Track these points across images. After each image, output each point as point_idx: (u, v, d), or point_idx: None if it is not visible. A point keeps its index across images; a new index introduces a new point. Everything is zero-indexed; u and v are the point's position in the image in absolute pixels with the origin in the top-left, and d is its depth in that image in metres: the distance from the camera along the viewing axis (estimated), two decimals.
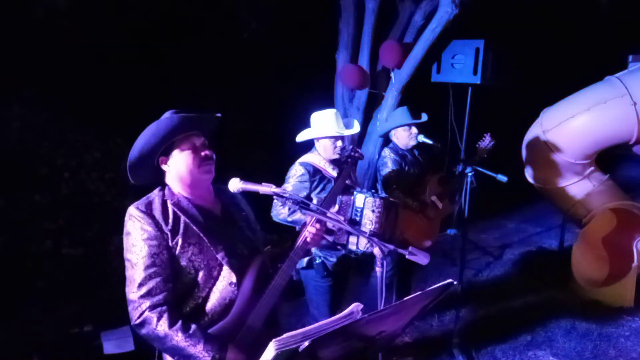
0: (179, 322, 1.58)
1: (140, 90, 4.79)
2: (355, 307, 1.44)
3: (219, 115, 1.78)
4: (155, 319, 1.56)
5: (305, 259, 2.85)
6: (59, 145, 4.44)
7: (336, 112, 2.96)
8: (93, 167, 4.56)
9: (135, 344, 3.28)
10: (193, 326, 1.60)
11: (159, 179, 1.76)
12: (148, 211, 1.65)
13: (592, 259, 4.15)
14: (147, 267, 1.59)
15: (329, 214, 1.78)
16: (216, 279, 1.68)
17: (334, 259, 2.86)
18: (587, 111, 4.01)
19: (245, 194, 1.74)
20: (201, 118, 1.73)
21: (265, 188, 1.66)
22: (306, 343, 1.22)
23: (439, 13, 4.44)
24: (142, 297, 1.58)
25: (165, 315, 1.57)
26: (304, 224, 1.92)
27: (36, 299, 3.78)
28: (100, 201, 4.47)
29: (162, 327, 1.56)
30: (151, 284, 1.59)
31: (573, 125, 4.09)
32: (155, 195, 1.72)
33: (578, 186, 4.33)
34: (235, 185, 1.69)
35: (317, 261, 2.84)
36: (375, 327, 1.39)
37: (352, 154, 2.72)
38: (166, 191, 1.73)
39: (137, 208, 1.65)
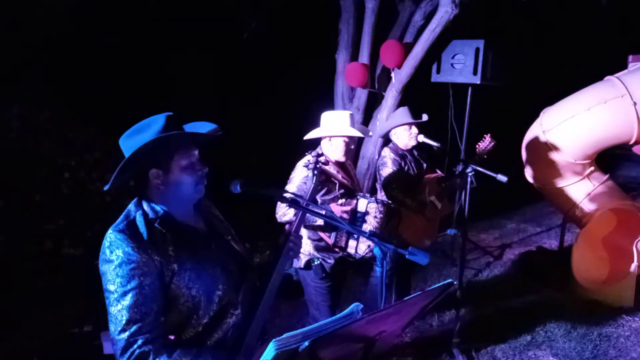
0: (178, 350, 1.43)
1: (141, 90, 4.80)
2: (355, 307, 1.43)
3: (220, 133, 1.62)
4: (152, 354, 1.39)
5: (304, 260, 2.84)
6: (59, 145, 4.45)
7: (351, 114, 2.93)
8: (93, 167, 4.56)
9: None
10: (194, 349, 1.47)
11: (137, 185, 1.57)
12: (133, 234, 1.43)
13: (592, 259, 4.15)
14: (136, 302, 1.38)
15: (333, 216, 1.76)
16: (217, 303, 1.53)
17: (332, 261, 2.85)
18: (587, 111, 4.01)
19: (245, 195, 1.71)
20: (206, 135, 1.58)
21: (267, 190, 1.65)
22: (306, 343, 1.21)
23: (439, 13, 4.44)
24: (132, 335, 1.38)
25: (162, 347, 1.41)
26: (285, 233, 1.87)
27: (36, 299, 3.78)
28: (100, 201, 4.48)
29: (161, 359, 1.40)
30: (142, 320, 1.39)
31: (573, 125, 4.08)
32: (134, 213, 1.51)
33: (578, 186, 4.33)
34: (236, 187, 1.67)
35: (316, 262, 2.83)
36: (375, 327, 1.39)
37: (319, 159, 2.65)
38: (146, 208, 1.52)
39: (120, 231, 1.43)
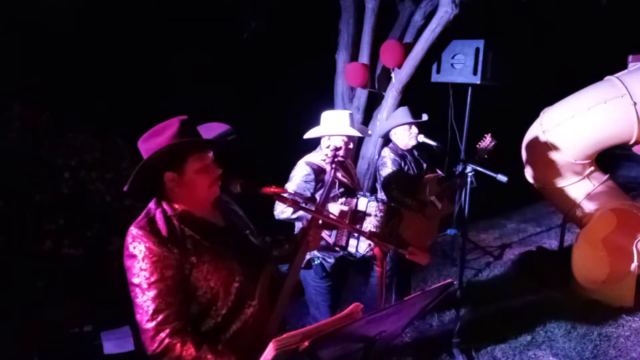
0: (205, 345, 1.49)
1: (141, 90, 4.80)
2: (355, 307, 1.44)
3: (234, 136, 1.70)
4: (179, 345, 1.45)
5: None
6: (59, 145, 4.45)
7: (351, 114, 2.94)
8: (93, 167, 4.56)
9: (135, 344, 3.28)
10: (219, 346, 1.53)
11: (153, 189, 1.62)
12: (153, 230, 1.51)
13: (592, 259, 4.16)
14: (160, 293, 1.46)
15: (331, 216, 1.77)
16: (234, 294, 1.59)
17: (332, 260, 2.85)
18: (587, 111, 4.01)
19: (244, 194, 1.73)
20: (218, 142, 1.66)
21: (265, 188, 1.65)
22: (306, 343, 1.22)
23: (439, 13, 4.44)
24: (159, 324, 1.45)
25: (189, 339, 1.48)
26: (304, 227, 1.90)
27: (36, 299, 3.78)
28: (100, 201, 4.48)
29: (189, 351, 1.45)
30: (167, 309, 1.47)
31: (573, 125, 4.09)
32: (154, 211, 1.59)
33: (578, 186, 4.33)
34: (235, 186, 1.68)
35: (316, 262, 2.83)
36: (375, 327, 1.39)
37: (337, 153, 2.67)
38: (165, 206, 1.60)
39: (141, 227, 1.51)
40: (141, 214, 1.59)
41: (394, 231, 2.95)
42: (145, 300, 1.47)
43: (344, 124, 2.87)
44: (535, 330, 3.71)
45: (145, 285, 1.47)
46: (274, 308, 1.66)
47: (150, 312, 1.46)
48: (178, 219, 1.57)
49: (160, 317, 1.46)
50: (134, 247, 1.49)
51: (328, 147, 2.82)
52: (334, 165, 2.41)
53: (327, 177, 2.38)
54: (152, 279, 1.47)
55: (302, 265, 2.83)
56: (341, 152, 2.57)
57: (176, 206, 1.61)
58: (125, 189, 1.57)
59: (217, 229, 1.67)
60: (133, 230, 1.52)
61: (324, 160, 2.55)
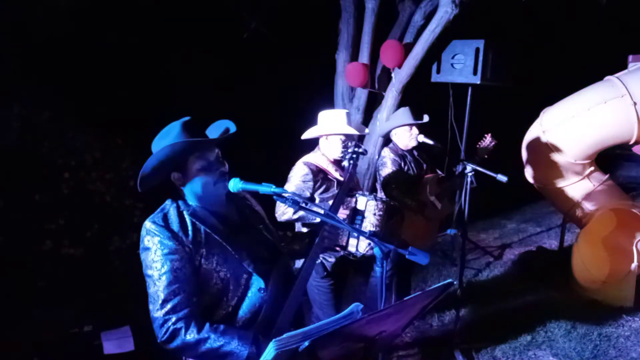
0: (207, 325, 1.56)
1: (141, 90, 4.80)
2: (355, 307, 1.44)
3: (235, 131, 1.74)
4: (183, 330, 1.54)
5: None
6: (59, 145, 4.45)
7: (348, 113, 2.95)
8: (93, 167, 4.57)
9: (135, 344, 3.29)
10: (222, 325, 1.58)
11: (167, 187, 1.72)
12: (166, 224, 1.61)
13: (592, 259, 4.15)
14: (170, 283, 1.56)
15: (329, 214, 1.76)
16: (244, 286, 1.66)
17: (332, 260, 2.85)
18: (587, 111, 4.01)
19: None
20: (218, 140, 1.70)
21: (265, 188, 1.66)
22: (306, 343, 1.22)
23: (439, 13, 4.44)
24: (167, 313, 1.55)
25: (193, 323, 1.55)
26: (322, 222, 1.91)
27: (36, 299, 3.78)
28: (100, 201, 4.48)
29: (192, 334, 1.54)
30: (176, 300, 1.55)
31: (573, 126, 4.09)
32: (169, 207, 1.69)
33: (578, 186, 4.33)
34: (235, 185, 1.68)
35: (317, 262, 2.83)
36: (375, 327, 1.39)
37: (356, 149, 2.70)
38: (179, 202, 1.70)
39: (154, 222, 1.61)
40: (157, 210, 1.69)
41: (395, 231, 2.95)
42: (156, 291, 1.56)
43: (341, 122, 2.87)
44: (535, 330, 3.71)
45: (156, 276, 1.56)
46: (287, 300, 1.69)
47: (159, 301, 1.55)
48: (190, 213, 1.66)
49: (168, 306, 1.55)
50: (148, 241, 1.59)
51: (344, 141, 2.83)
52: (351, 162, 2.42)
53: (346, 173, 2.39)
54: (163, 270, 1.56)
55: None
56: (362, 150, 2.58)
57: (189, 202, 1.71)
58: (139, 189, 1.66)
59: (229, 222, 1.74)
60: (147, 224, 1.61)
61: (341, 155, 2.54)
